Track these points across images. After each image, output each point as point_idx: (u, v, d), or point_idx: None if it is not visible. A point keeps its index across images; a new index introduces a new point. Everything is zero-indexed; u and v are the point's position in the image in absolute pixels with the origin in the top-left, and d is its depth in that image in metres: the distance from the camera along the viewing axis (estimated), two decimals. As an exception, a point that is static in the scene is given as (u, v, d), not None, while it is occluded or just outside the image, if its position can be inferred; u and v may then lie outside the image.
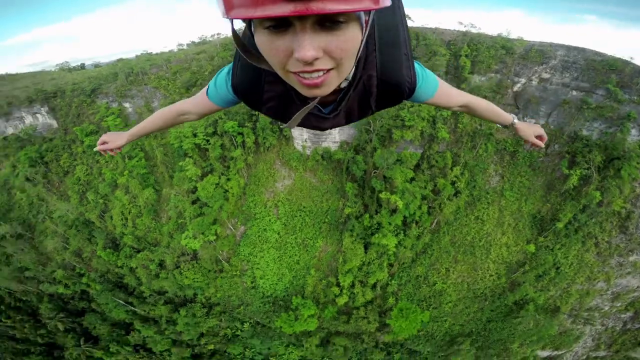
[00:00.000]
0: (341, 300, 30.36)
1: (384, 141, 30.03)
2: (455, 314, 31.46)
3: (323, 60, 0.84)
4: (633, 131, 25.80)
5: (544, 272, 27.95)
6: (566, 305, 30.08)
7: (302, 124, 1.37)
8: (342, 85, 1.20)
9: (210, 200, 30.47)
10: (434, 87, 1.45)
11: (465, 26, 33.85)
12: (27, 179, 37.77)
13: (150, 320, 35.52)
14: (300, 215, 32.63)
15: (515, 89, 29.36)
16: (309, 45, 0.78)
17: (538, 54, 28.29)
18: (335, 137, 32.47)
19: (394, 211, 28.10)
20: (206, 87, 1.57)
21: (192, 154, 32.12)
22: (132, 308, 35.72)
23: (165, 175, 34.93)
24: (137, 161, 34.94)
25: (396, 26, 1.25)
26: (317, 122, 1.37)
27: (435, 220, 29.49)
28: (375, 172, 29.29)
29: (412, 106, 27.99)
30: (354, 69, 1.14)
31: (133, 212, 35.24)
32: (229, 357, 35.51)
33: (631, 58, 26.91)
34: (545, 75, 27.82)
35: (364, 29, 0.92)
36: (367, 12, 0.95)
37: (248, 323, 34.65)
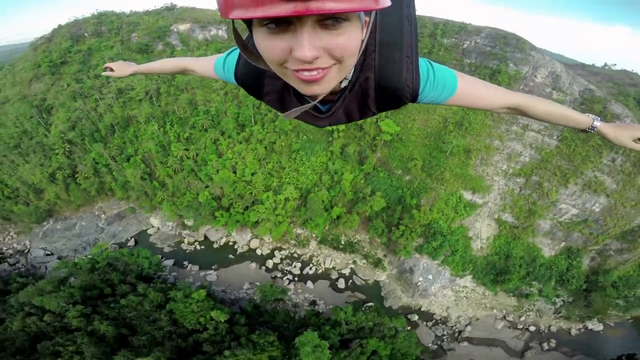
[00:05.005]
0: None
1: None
2: (416, 142, 60.39)
3: (323, 59, 0.88)
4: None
5: (461, 121, 57.18)
6: (476, 151, 56.76)
7: (301, 118, 1.42)
8: (343, 85, 1.25)
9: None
10: (448, 88, 1.38)
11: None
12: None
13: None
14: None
15: (464, 46, 63.24)
16: (309, 45, 0.81)
17: (475, 29, 62.39)
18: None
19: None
20: (215, 58, 1.68)
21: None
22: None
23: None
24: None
25: (399, 27, 1.24)
26: (312, 120, 1.43)
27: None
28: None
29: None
30: (353, 69, 1.18)
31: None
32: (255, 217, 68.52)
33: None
34: (479, 40, 61.53)
35: (364, 28, 0.97)
36: (368, 12, 0.98)
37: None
